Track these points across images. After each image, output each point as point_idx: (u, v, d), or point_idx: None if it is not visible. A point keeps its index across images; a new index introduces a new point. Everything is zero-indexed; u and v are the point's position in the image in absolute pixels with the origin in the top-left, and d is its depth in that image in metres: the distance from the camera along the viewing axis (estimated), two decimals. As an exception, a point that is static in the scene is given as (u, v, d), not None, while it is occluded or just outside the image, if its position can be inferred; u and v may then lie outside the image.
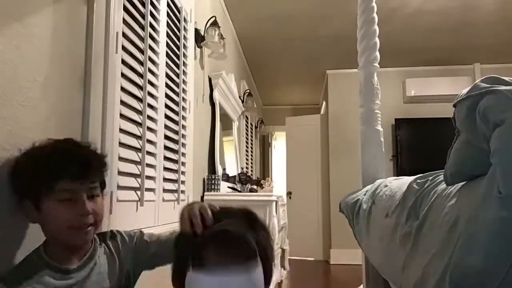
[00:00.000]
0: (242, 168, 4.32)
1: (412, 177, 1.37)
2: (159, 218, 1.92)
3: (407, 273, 1.02)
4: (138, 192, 1.66)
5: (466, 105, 0.73)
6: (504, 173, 0.61)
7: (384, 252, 1.35)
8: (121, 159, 1.52)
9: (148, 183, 1.78)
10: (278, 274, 3.33)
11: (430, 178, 1.13)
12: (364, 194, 1.90)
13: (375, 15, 2.18)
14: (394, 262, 1.17)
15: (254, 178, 4.84)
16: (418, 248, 0.94)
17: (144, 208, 1.72)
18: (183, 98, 2.32)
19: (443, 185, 0.94)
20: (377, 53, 2.19)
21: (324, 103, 6.02)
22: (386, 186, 1.67)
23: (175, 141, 2.20)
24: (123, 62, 1.56)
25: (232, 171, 3.71)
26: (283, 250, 3.65)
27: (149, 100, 1.81)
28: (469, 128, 0.74)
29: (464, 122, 0.75)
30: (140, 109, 1.70)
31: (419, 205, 1.04)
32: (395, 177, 1.87)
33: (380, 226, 1.45)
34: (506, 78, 0.75)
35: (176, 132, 2.20)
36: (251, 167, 5.36)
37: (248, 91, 4.76)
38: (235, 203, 3.01)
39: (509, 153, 0.61)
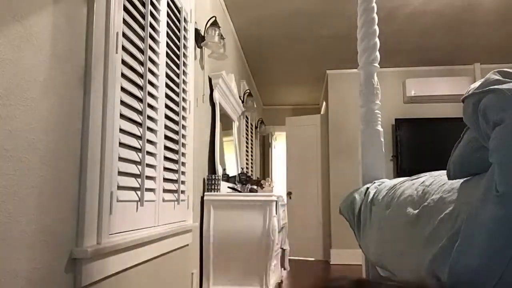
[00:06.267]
0: (242, 168, 4.32)
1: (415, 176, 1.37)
2: (159, 218, 1.92)
3: (405, 260, 1.03)
4: (138, 192, 1.66)
5: (471, 101, 0.73)
6: (501, 172, 0.61)
7: (383, 241, 1.36)
8: (121, 159, 1.52)
9: (148, 183, 1.78)
10: (278, 274, 3.33)
11: (435, 174, 1.13)
12: (362, 194, 1.90)
13: (375, 15, 2.19)
14: (393, 250, 1.18)
15: (254, 178, 4.83)
16: (416, 237, 0.95)
17: (144, 208, 1.73)
18: (183, 98, 2.32)
19: (447, 181, 0.94)
20: (377, 53, 2.19)
21: (324, 103, 6.02)
22: (383, 184, 1.67)
23: (175, 141, 2.20)
24: (123, 62, 1.56)
25: (232, 171, 3.71)
26: (283, 250, 3.65)
27: (149, 100, 1.81)
28: (474, 125, 0.74)
29: (470, 118, 0.75)
30: (140, 109, 1.70)
31: (421, 197, 1.04)
32: (398, 178, 1.87)
33: (380, 218, 1.46)
34: None
35: (176, 132, 2.20)
36: (251, 167, 5.36)
37: (248, 91, 4.76)
38: (236, 204, 2.98)
39: (507, 153, 0.62)
